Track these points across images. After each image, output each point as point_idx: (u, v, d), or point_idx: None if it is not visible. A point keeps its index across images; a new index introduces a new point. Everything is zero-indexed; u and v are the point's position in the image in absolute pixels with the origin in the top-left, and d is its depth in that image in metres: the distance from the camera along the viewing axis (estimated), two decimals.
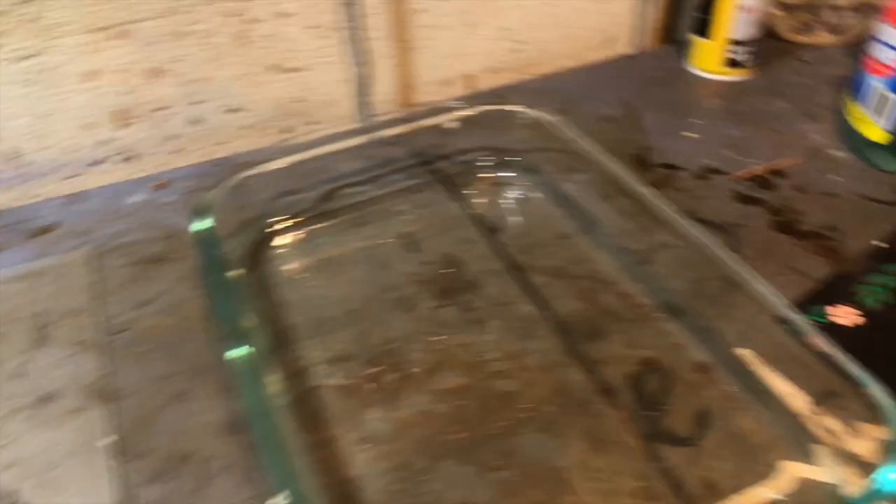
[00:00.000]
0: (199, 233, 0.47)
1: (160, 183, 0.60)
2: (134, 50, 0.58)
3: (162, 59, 0.60)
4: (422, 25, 0.68)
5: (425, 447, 0.40)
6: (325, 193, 0.57)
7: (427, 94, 0.72)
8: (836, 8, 0.73)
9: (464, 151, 0.60)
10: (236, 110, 0.65)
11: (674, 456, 0.39)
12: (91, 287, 0.50)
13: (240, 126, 0.66)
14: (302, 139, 0.58)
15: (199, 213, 0.48)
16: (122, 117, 0.61)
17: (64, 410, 0.42)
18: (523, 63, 0.75)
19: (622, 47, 0.78)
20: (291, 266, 0.52)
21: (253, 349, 0.39)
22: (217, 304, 0.42)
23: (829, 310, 0.46)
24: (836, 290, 0.48)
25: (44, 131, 0.60)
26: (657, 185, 0.58)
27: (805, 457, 0.38)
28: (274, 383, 0.42)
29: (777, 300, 0.40)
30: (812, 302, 0.47)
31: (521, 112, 0.57)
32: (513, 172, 0.59)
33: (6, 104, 0.57)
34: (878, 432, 0.39)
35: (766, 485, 0.37)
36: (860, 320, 0.45)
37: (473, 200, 0.57)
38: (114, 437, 0.41)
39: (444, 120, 0.59)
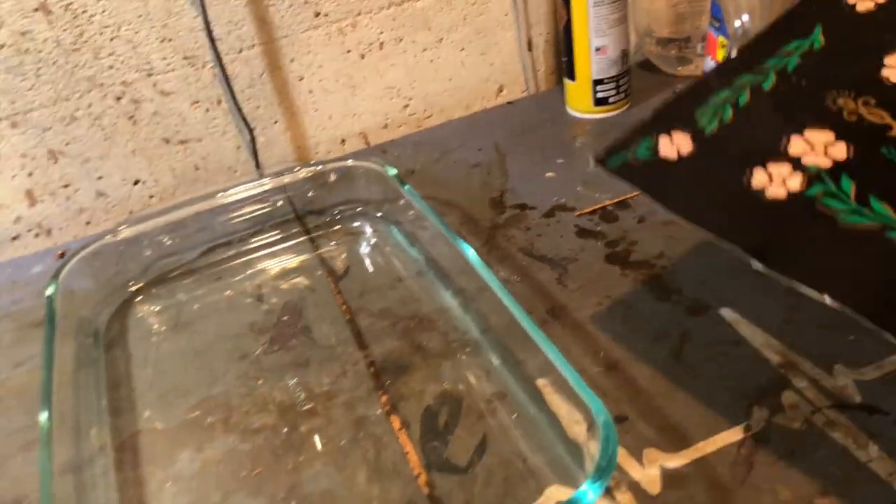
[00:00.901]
0: (48, 298, 0.52)
1: (60, 253, 0.66)
2: (29, 137, 0.65)
3: (57, 142, 0.66)
4: (305, 91, 0.73)
5: (222, 483, 0.43)
6: (200, 253, 0.63)
7: (324, 153, 0.77)
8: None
9: (326, 207, 0.64)
10: (137, 182, 0.71)
11: (447, 483, 0.41)
12: None
13: (144, 196, 0.72)
14: (180, 199, 0.63)
15: (54, 280, 0.53)
16: (31, 196, 0.68)
17: None
18: (415, 117, 0.79)
19: (515, 93, 0.82)
20: (148, 323, 0.56)
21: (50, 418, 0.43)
22: (44, 369, 0.47)
23: (662, 139, 0.41)
24: (676, 113, 0.42)
25: None
26: (506, 224, 0.61)
27: (575, 483, 0.40)
28: (102, 432, 0.47)
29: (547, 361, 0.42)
30: (647, 131, 0.42)
31: (362, 167, 0.61)
32: (367, 222, 0.64)
33: None
34: (660, 458, 0.41)
35: None
36: (687, 149, 0.40)
37: (326, 251, 0.61)
38: None
39: (294, 179, 0.63)
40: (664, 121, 0.42)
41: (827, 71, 0.42)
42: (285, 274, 0.59)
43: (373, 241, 0.62)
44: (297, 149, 0.76)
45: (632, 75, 0.74)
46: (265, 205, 0.64)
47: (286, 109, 0.73)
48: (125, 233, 0.58)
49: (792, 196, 0.37)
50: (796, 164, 0.38)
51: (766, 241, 0.36)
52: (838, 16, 0.44)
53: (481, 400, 0.46)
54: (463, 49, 0.78)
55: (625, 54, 0.71)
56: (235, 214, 0.63)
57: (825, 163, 0.37)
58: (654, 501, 0.39)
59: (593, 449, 0.38)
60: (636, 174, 0.40)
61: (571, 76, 0.72)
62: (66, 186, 0.69)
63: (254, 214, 0.64)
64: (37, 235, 0.70)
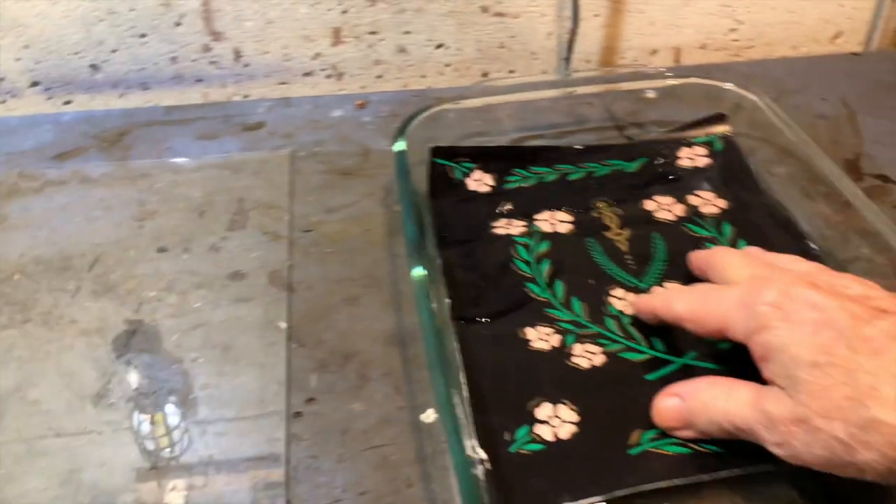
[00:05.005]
0: (399, 154, 0.49)
1: (361, 102, 0.63)
2: None
3: None
4: None
5: None
6: (511, 141, 0.58)
7: (630, 62, 0.70)
8: None
9: (658, 123, 0.58)
10: (440, 46, 0.67)
11: None
12: (286, 185, 0.54)
13: (441, 62, 0.68)
14: (498, 83, 0.59)
15: (401, 135, 0.50)
16: (337, 35, 0.65)
17: (249, 289, 0.46)
18: (737, 44, 0.71)
19: (850, 44, 0.72)
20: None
21: (427, 272, 0.40)
22: (407, 223, 0.44)
23: None
24: None
25: (266, 37, 0.64)
26: (865, 195, 0.54)
27: None
28: (443, 306, 0.44)
29: None
30: None
31: (731, 90, 0.54)
32: None
33: (239, 5, 0.62)
34: None
35: None
36: None
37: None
38: (288, 324, 0.44)
39: (644, 86, 0.58)
40: None
41: None
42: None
43: None
44: (604, 49, 0.69)
45: None
46: (593, 108, 0.59)
47: (613, 3, 0.66)
48: (458, 104, 0.54)
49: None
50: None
51: None
52: None
53: None
54: None
55: None
56: (560, 112, 0.58)
57: None
58: None
59: None
60: None
61: None
62: (372, 33, 0.65)
63: (579, 115, 0.59)
64: (328, 77, 0.67)
